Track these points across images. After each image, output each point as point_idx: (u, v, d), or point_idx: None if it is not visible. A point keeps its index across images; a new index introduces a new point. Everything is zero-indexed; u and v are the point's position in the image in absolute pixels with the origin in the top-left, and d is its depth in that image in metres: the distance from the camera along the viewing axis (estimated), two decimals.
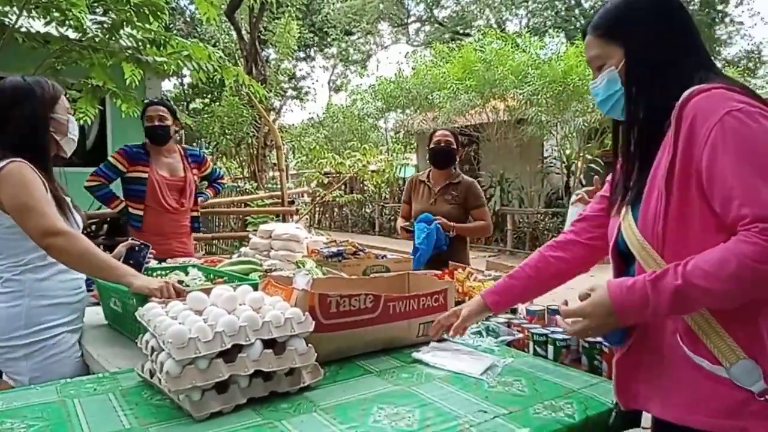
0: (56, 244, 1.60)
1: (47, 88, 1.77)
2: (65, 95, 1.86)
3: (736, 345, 0.97)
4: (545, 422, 1.11)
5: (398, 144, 14.18)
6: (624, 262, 1.15)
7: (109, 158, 3.12)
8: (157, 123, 3.06)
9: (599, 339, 1.43)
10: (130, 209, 3.10)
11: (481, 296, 1.49)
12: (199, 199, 3.38)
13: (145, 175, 3.07)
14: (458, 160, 3.25)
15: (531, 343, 1.57)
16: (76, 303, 1.81)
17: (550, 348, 1.52)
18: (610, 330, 1.07)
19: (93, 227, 4.34)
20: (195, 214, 3.33)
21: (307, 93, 21.43)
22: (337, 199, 11.66)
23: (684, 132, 0.99)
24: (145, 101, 3.24)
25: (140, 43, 3.81)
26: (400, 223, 3.36)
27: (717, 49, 18.21)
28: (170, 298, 1.53)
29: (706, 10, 16.59)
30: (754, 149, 0.93)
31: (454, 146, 3.15)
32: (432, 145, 3.18)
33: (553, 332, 1.55)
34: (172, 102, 3.29)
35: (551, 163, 11.43)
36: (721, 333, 0.98)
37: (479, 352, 1.55)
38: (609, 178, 1.33)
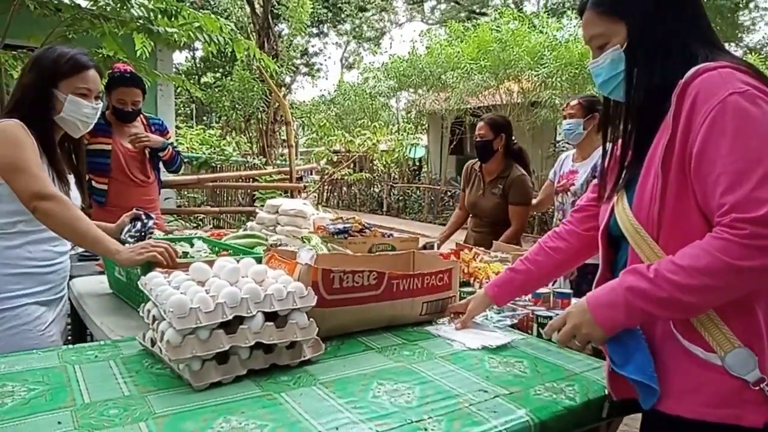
0: (44, 208, 1.56)
1: (62, 62, 1.70)
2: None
3: (732, 334, 0.95)
4: (545, 403, 1.10)
5: (409, 124, 14.07)
6: (613, 246, 1.14)
7: None
8: (130, 108, 2.91)
9: None
10: (93, 183, 2.93)
11: (485, 289, 1.53)
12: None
13: (108, 147, 2.91)
14: (501, 148, 3.07)
15: (535, 325, 1.56)
16: (48, 275, 1.74)
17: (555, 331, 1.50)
18: (592, 332, 1.03)
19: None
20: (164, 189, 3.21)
21: (318, 69, 21.30)
22: (346, 177, 11.64)
23: (685, 111, 0.95)
24: (115, 74, 2.92)
25: (151, 13, 3.77)
26: (455, 212, 3.40)
27: (740, 35, 17.80)
28: (169, 267, 1.51)
29: None
30: (750, 135, 0.89)
31: (490, 137, 3.03)
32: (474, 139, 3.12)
33: (557, 315, 1.53)
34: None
35: (563, 147, 11.32)
36: (717, 322, 0.96)
37: (497, 329, 1.56)
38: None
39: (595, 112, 2.66)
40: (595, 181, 1.33)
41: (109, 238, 1.64)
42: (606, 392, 1.15)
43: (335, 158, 11.78)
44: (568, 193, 2.83)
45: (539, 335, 1.54)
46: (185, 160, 3.25)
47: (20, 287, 1.67)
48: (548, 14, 11.68)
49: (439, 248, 2.91)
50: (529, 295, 1.76)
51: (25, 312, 1.67)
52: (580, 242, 1.38)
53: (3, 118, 1.65)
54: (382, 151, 12.31)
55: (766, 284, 0.94)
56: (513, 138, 3.16)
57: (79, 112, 1.74)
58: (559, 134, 11.36)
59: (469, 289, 1.86)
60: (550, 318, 1.53)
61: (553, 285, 1.81)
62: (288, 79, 15.29)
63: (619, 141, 1.16)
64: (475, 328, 1.56)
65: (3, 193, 1.61)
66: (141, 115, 3.09)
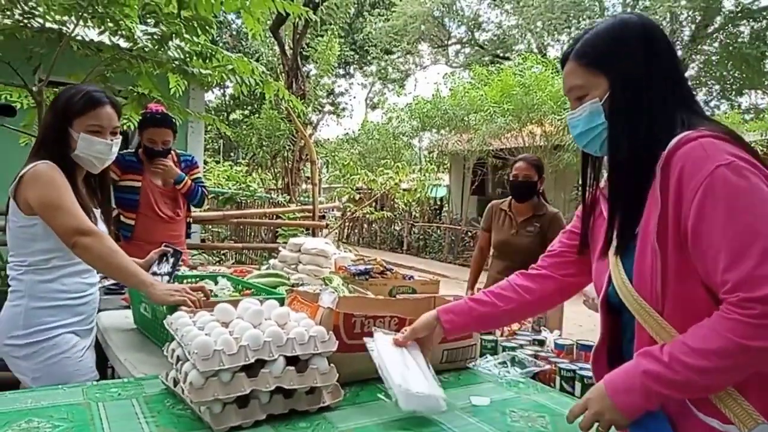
0: (84, 243, 1.61)
1: (74, 101, 1.73)
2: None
3: (753, 409, 0.92)
4: None
5: (431, 164, 14.18)
6: (615, 312, 1.11)
7: None
8: (160, 148, 2.99)
9: None
10: (122, 218, 3.01)
11: (437, 312, 1.37)
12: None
13: (138, 184, 3.00)
14: (540, 190, 3.11)
15: (558, 378, 1.53)
16: (80, 306, 1.78)
17: (578, 385, 1.48)
18: (614, 417, 0.98)
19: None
20: (188, 220, 3.26)
21: (344, 109, 21.75)
22: (368, 215, 11.70)
23: (673, 185, 0.95)
24: (147, 114, 3.03)
25: (187, 55, 3.93)
26: (476, 255, 3.36)
27: (766, 82, 17.72)
28: (192, 307, 1.53)
29: (756, 43, 16.23)
30: (742, 211, 0.88)
31: (535, 179, 3.04)
32: (511, 179, 3.09)
33: (581, 368, 1.51)
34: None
35: None
36: (736, 397, 0.93)
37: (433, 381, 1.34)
38: (578, 211, 1.29)
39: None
40: (570, 226, 1.32)
41: (145, 273, 1.70)
42: None
43: (357, 196, 11.90)
44: None
45: (562, 389, 1.51)
46: (209, 195, 3.31)
47: (55, 319, 1.72)
48: None
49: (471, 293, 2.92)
50: (552, 346, 1.74)
51: (62, 341, 1.72)
52: (554, 286, 1.32)
53: (32, 158, 1.72)
54: (404, 190, 12.40)
55: None
56: None
57: (92, 149, 1.76)
58: None
59: (490, 337, 1.84)
60: (573, 372, 1.51)
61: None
62: (314, 118, 15.63)
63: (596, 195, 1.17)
64: (421, 369, 1.34)
65: (38, 232, 1.68)
66: (172, 152, 3.17)
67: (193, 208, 3.37)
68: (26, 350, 1.68)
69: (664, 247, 0.96)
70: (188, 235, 3.33)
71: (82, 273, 1.78)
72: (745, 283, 0.86)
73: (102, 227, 1.83)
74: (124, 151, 3.04)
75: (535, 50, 19.14)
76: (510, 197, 3.18)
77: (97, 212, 1.84)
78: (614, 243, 1.08)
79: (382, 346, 1.35)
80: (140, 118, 3.07)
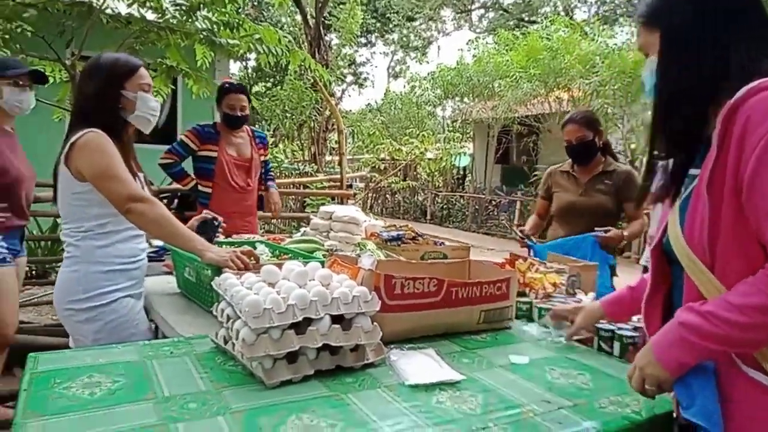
0: (137, 209, 1.67)
1: (120, 65, 1.79)
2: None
3: None
4: (612, 417, 1.10)
5: (455, 132, 14.04)
6: (667, 262, 1.10)
7: (182, 137, 3.25)
8: (239, 113, 3.17)
9: None
10: (200, 187, 3.23)
11: (601, 305, 1.48)
12: (271, 189, 3.49)
13: (215, 155, 3.18)
14: (601, 145, 2.85)
15: (596, 339, 1.55)
16: (134, 270, 1.85)
17: (617, 344, 1.49)
18: (656, 372, 0.99)
19: (164, 201, 4.55)
20: (261, 193, 3.43)
21: (366, 79, 21.52)
22: (392, 185, 11.70)
23: (736, 134, 0.91)
24: (225, 85, 3.26)
25: (215, 26, 3.93)
26: (529, 224, 3.01)
27: None
28: (242, 270, 1.59)
29: None
30: None
31: (590, 137, 2.78)
32: (565, 145, 2.86)
33: (620, 329, 1.51)
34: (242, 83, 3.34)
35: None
36: None
37: (444, 363, 1.35)
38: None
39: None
40: None
41: (197, 237, 1.75)
42: (674, 414, 1.13)
43: (382, 166, 11.88)
44: None
45: (600, 349, 1.53)
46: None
47: (111, 283, 1.78)
48: (600, 22, 11.45)
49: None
50: None
51: (120, 305, 1.79)
52: None
53: (78, 127, 1.75)
54: (429, 159, 12.33)
55: None
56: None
57: (149, 106, 1.85)
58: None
59: (525, 299, 1.85)
60: (612, 332, 1.52)
61: None
62: (337, 89, 15.54)
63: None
64: (427, 362, 1.35)
65: (93, 198, 1.73)
66: (247, 127, 3.35)
67: None
68: (87, 314, 1.75)
69: (718, 197, 0.94)
70: (261, 208, 3.49)
71: (135, 238, 1.84)
72: None
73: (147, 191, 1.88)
74: (203, 123, 3.30)
75: (562, 12, 18.58)
76: (569, 161, 2.95)
77: (141, 176, 1.88)
78: (672, 190, 1.07)
79: (398, 365, 1.32)
80: (217, 90, 3.31)
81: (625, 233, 2.68)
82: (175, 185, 3.60)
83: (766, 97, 0.90)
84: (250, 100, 3.28)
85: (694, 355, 0.96)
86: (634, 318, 1.68)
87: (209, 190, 3.21)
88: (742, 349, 0.96)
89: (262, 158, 3.43)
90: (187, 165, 3.32)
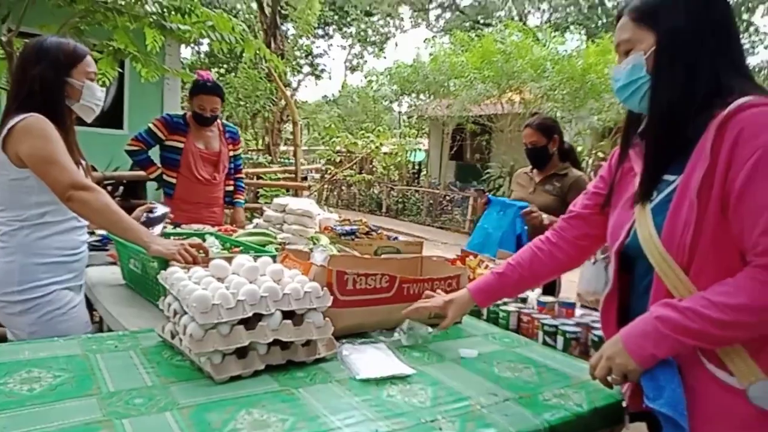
0: (80, 197, 1.60)
1: (66, 51, 1.72)
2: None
3: (757, 367, 0.96)
4: (555, 410, 1.14)
5: (411, 128, 14.14)
6: (629, 263, 1.13)
7: (150, 125, 3.15)
8: (208, 114, 3.10)
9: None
10: (165, 176, 3.16)
11: (469, 292, 1.44)
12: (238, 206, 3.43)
13: (182, 145, 3.11)
14: (556, 150, 2.90)
15: (540, 333, 1.60)
16: (74, 263, 1.77)
17: (560, 339, 1.55)
18: (625, 362, 1.02)
19: (109, 188, 4.38)
20: (229, 188, 3.36)
21: (323, 71, 21.30)
22: (347, 177, 11.67)
23: (727, 145, 0.95)
24: (199, 82, 3.12)
25: (165, 10, 3.81)
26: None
27: None
28: (190, 263, 1.55)
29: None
30: None
31: (543, 143, 2.87)
32: (524, 147, 2.97)
33: (563, 324, 1.58)
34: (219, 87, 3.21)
35: None
36: (743, 355, 0.97)
37: (395, 357, 1.36)
38: (602, 171, 1.31)
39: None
40: (590, 187, 1.34)
41: (143, 228, 1.69)
42: (623, 404, 1.18)
43: (338, 159, 11.82)
44: None
45: (544, 343, 1.59)
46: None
47: (50, 275, 1.70)
48: (552, 28, 11.77)
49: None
50: (535, 304, 1.81)
51: (56, 297, 1.71)
52: (573, 250, 1.36)
53: (17, 111, 1.66)
54: (384, 153, 12.36)
55: None
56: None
57: (95, 96, 1.80)
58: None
59: None
60: (555, 327, 1.58)
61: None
62: (293, 80, 15.33)
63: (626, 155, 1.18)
64: (379, 356, 1.36)
65: (32, 185, 1.64)
66: (218, 121, 3.26)
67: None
68: (21, 306, 1.67)
69: (705, 202, 0.98)
70: (229, 202, 3.40)
71: (76, 230, 1.76)
72: None
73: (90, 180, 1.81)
74: (173, 112, 3.26)
75: (516, 18, 18.98)
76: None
77: (84, 164, 1.81)
78: (643, 192, 1.09)
79: (350, 361, 1.32)
80: (192, 84, 3.22)
81: (545, 221, 2.71)
82: (120, 171, 3.48)
83: (760, 113, 0.94)
84: (223, 100, 3.21)
85: (667, 349, 0.99)
86: (578, 312, 1.76)
87: (174, 181, 3.15)
88: (715, 345, 0.99)
89: (232, 152, 3.34)
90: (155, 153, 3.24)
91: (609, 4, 19.84)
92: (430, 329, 1.53)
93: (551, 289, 2.65)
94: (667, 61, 1.05)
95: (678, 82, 1.04)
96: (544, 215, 2.74)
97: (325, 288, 1.36)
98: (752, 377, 0.96)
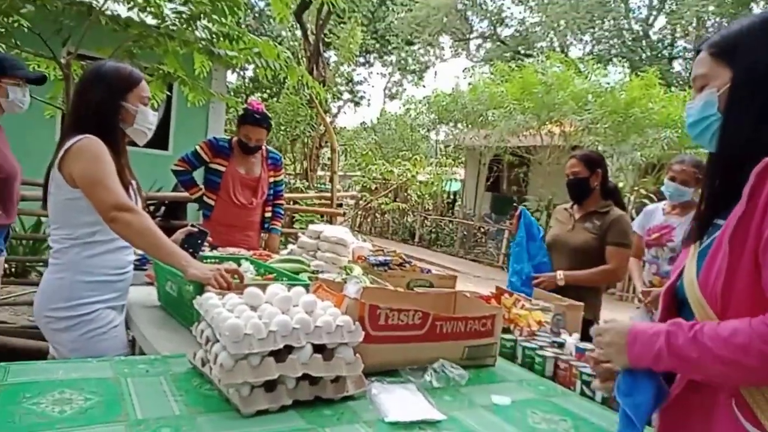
0: (123, 219, 1.63)
1: (123, 76, 1.79)
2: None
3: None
4: None
5: (448, 157, 14.14)
6: (676, 307, 1.10)
7: (196, 147, 3.26)
8: (253, 144, 3.18)
9: None
10: (205, 198, 3.24)
11: None
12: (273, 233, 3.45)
13: (224, 169, 3.19)
14: (599, 185, 2.81)
15: (578, 383, 1.53)
16: (119, 283, 1.82)
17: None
18: (618, 356, 1.02)
19: (151, 208, 4.49)
20: (267, 213, 3.40)
21: (362, 97, 21.67)
22: (382, 205, 11.70)
23: (766, 192, 0.92)
24: (248, 110, 3.19)
25: (214, 36, 3.94)
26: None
27: None
28: (225, 289, 1.55)
29: None
30: None
31: (585, 175, 2.78)
32: (566, 178, 2.89)
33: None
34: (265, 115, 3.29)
35: None
36: None
37: (426, 400, 1.31)
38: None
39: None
40: None
41: (182, 251, 1.70)
42: None
43: (373, 186, 11.89)
44: (665, 248, 2.86)
45: (582, 393, 1.51)
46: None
47: (95, 293, 1.74)
48: (594, 60, 11.67)
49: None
50: (573, 350, 1.74)
51: (99, 316, 1.75)
52: None
53: (73, 132, 1.73)
54: (420, 182, 12.37)
55: None
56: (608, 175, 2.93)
57: (148, 120, 1.86)
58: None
59: (509, 336, 1.84)
60: (594, 376, 1.50)
61: None
62: (333, 106, 15.62)
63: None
64: (408, 398, 1.31)
65: (84, 205, 1.69)
66: (262, 148, 3.34)
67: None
68: (66, 323, 1.71)
69: (739, 250, 0.94)
70: (266, 228, 3.43)
71: (124, 249, 1.81)
72: None
73: (138, 199, 1.86)
74: (219, 136, 3.37)
75: (558, 49, 18.95)
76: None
77: (134, 184, 1.86)
78: (694, 235, 1.07)
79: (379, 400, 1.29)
80: (242, 111, 3.30)
81: (560, 282, 2.68)
82: (164, 192, 3.57)
83: None
84: (269, 131, 3.27)
85: (660, 366, 0.97)
86: None
87: (213, 203, 3.23)
88: (707, 379, 0.96)
89: (273, 179, 3.39)
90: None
91: (654, 37, 19.65)
92: (463, 371, 1.48)
93: (585, 334, 2.56)
94: (739, 99, 1.02)
95: (747, 123, 1.00)
96: (558, 275, 2.70)
97: (357, 322, 1.34)
98: None
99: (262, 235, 3.49)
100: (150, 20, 4.02)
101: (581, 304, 2.20)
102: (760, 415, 0.94)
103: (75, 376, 1.25)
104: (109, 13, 3.87)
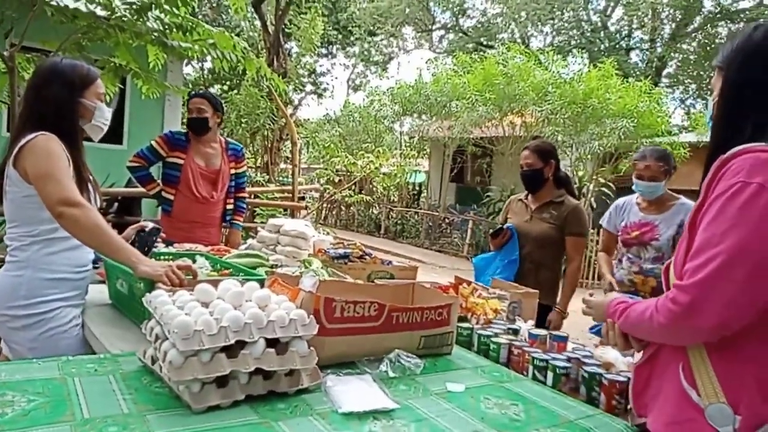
0: (70, 214, 1.60)
1: (81, 73, 1.80)
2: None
3: (719, 386, 1.03)
4: None
5: (412, 149, 14.18)
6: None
7: (152, 142, 3.17)
8: (195, 115, 3.12)
9: (599, 371, 1.44)
10: (164, 193, 3.16)
11: None
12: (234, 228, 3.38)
13: (182, 162, 3.11)
14: (552, 175, 2.90)
15: (531, 367, 1.57)
16: (79, 281, 1.81)
17: (550, 374, 1.51)
18: (597, 313, 1.29)
19: (104, 204, 4.36)
20: (229, 207, 3.33)
21: (325, 89, 21.50)
22: (346, 198, 11.67)
23: (714, 184, 1.04)
24: (191, 92, 3.27)
25: (167, 27, 3.83)
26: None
27: None
28: (176, 286, 1.53)
29: None
30: (737, 222, 0.98)
31: (539, 166, 2.86)
32: (520, 169, 2.95)
33: (554, 358, 1.55)
34: (214, 96, 3.29)
35: None
36: (709, 371, 1.05)
37: (380, 390, 1.31)
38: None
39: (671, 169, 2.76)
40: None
41: (131, 248, 1.67)
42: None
43: (337, 178, 11.84)
44: (648, 247, 2.78)
45: (534, 378, 1.55)
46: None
47: (56, 291, 1.73)
48: (554, 52, 11.87)
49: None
50: (527, 336, 1.78)
51: (59, 315, 1.73)
52: None
53: (29, 130, 1.71)
54: (384, 174, 12.39)
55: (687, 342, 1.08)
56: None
57: (104, 116, 1.88)
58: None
59: (466, 325, 1.87)
60: (546, 362, 1.55)
61: None
62: (295, 98, 15.45)
63: None
64: (363, 388, 1.32)
65: (42, 201, 1.66)
66: (222, 138, 3.29)
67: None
68: (25, 321, 1.69)
69: (694, 233, 1.06)
70: (227, 222, 3.35)
71: (84, 246, 1.78)
72: (687, 272, 1.02)
73: (95, 196, 1.84)
74: (175, 129, 3.30)
75: (519, 40, 19.17)
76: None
77: (92, 179, 1.86)
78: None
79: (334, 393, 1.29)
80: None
81: (567, 315, 2.82)
82: (116, 188, 3.47)
83: (748, 159, 1.01)
84: (215, 107, 3.17)
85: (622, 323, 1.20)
86: (570, 347, 1.73)
87: (172, 198, 3.14)
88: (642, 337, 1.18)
89: (234, 171, 3.31)
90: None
91: (612, 28, 20.08)
92: (418, 360, 1.50)
93: (543, 320, 2.63)
94: (720, 109, 1.15)
95: (714, 128, 1.15)
96: (559, 317, 2.80)
97: (311, 316, 1.34)
98: (713, 398, 1.03)
99: (223, 230, 3.43)
100: (99, 11, 3.89)
101: (536, 291, 2.26)
102: (697, 377, 1.06)
103: (19, 377, 1.21)
104: (54, 3, 3.72)
